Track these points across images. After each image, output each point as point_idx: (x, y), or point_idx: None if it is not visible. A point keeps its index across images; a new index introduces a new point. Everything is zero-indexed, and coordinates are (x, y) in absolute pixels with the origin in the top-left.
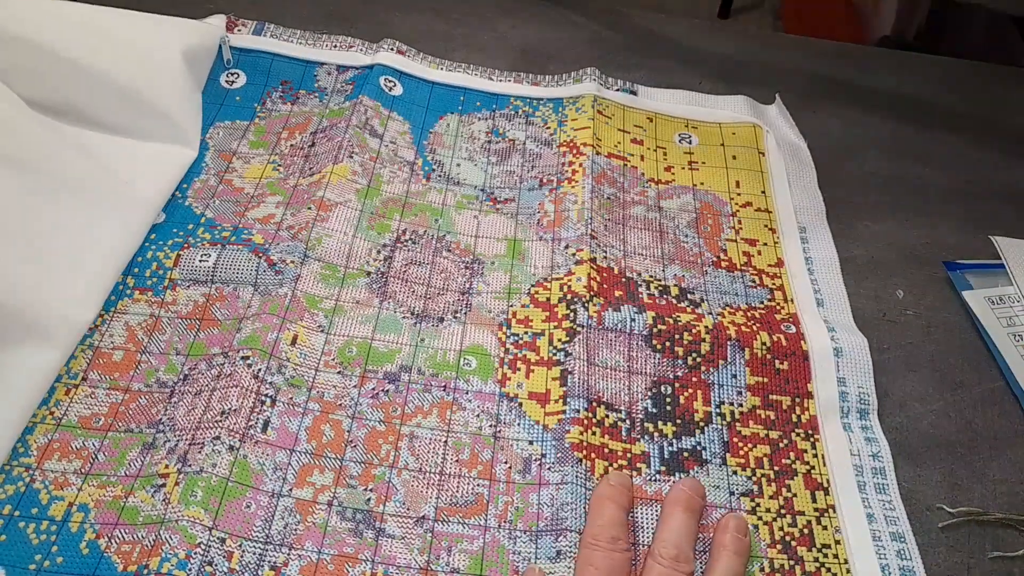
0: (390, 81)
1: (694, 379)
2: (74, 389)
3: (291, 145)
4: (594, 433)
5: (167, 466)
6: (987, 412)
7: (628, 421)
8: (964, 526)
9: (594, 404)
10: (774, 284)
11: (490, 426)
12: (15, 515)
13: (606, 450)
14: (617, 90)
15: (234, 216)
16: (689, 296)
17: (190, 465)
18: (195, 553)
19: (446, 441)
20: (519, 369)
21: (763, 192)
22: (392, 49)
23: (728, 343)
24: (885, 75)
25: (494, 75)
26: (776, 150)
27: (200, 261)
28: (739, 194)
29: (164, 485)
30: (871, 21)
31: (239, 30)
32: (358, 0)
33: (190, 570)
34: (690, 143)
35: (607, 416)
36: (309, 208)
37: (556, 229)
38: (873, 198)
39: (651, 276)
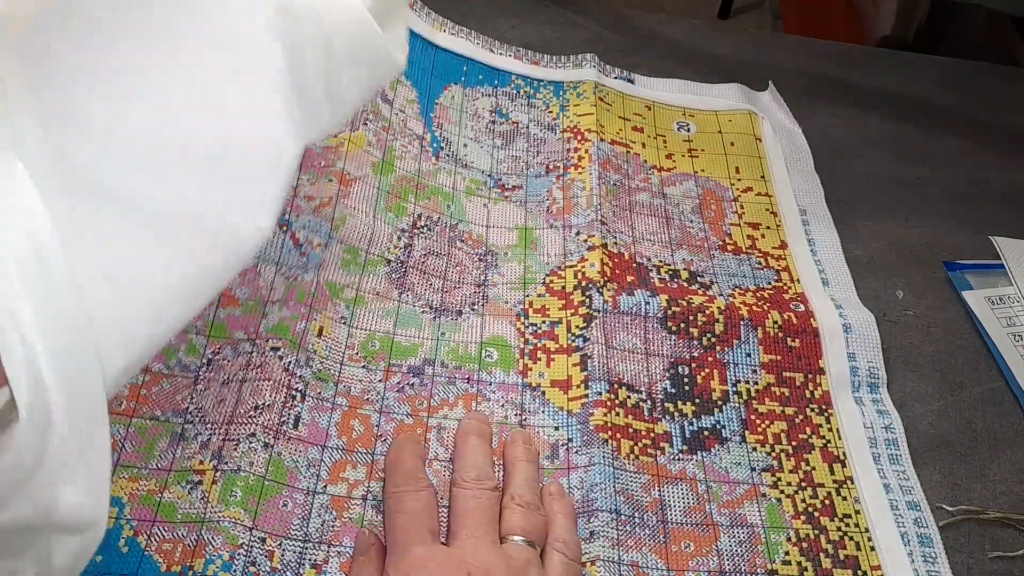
0: None
1: (710, 359)
2: None
3: None
4: (617, 414)
5: (202, 462)
6: (987, 412)
7: (649, 401)
8: (964, 525)
9: (615, 385)
10: (779, 265)
11: (515, 415)
12: None
13: (630, 430)
14: (615, 78)
15: None
16: (699, 279)
17: (226, 463)
18: (238, 554)
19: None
20: (539, 359)
21: (762, 177)
22: None
23: (741, 323)
24: (885, 75)
25: (495, 47)
26: (772, 136)
27: None
28: (739, 180)
29: (201, 482)
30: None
31: None
32: None
33: (235, 571)
34: (688, 131)
35: (629, 396)
36: (330, 180)
37: (566, 216)
38: (873, 198)
39: (660, 261)
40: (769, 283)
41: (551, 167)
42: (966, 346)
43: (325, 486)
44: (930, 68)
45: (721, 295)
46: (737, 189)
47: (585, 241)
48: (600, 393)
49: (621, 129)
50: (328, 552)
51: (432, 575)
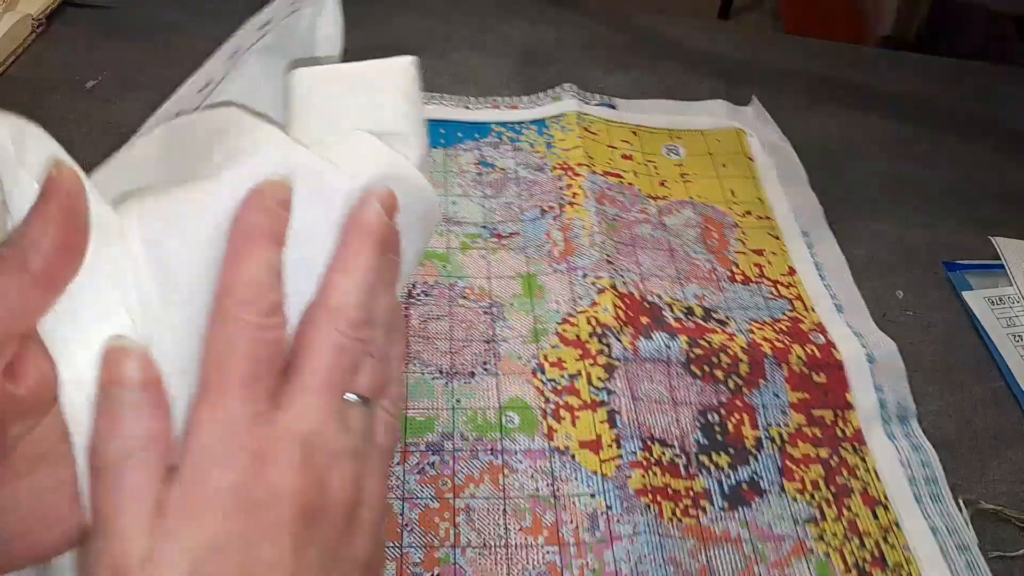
0: None
1: (738, 403)
2: None
3: None
4: (655, 473)
5: None
6: (987, 412)
7: (684, 456)
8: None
9: (648, 442)
10: (791, 294)
11: (547, 485)
12: None
13: (669, 490)
14: (597, 104)
15: None
16: (714, 315)
17: None
18: None
19: (504, 509)
20: (563, 418)
21: (759, 199)
22: None
23: (765, 361)
24: (885, 75)
25: (470, 103)
26: (763, 153)
27: None
28: (736, 203)
29: None
30: (871, 21)
31: None
32: (359, 1)
33: None
34: (678, 154)
35: (663, 453)
36: None
37: (570, 258)
38: (873, 198)
39: (672, 298)
40: (784, 313)
41: (546, 208)
42: (966, 346)
43: None
44: (930, 68)
45: (740, 332)
46: (736, 214)
47: (593, 284)
48: (635, 452)
49: (611, 159)
50: None
51: (234, 461)
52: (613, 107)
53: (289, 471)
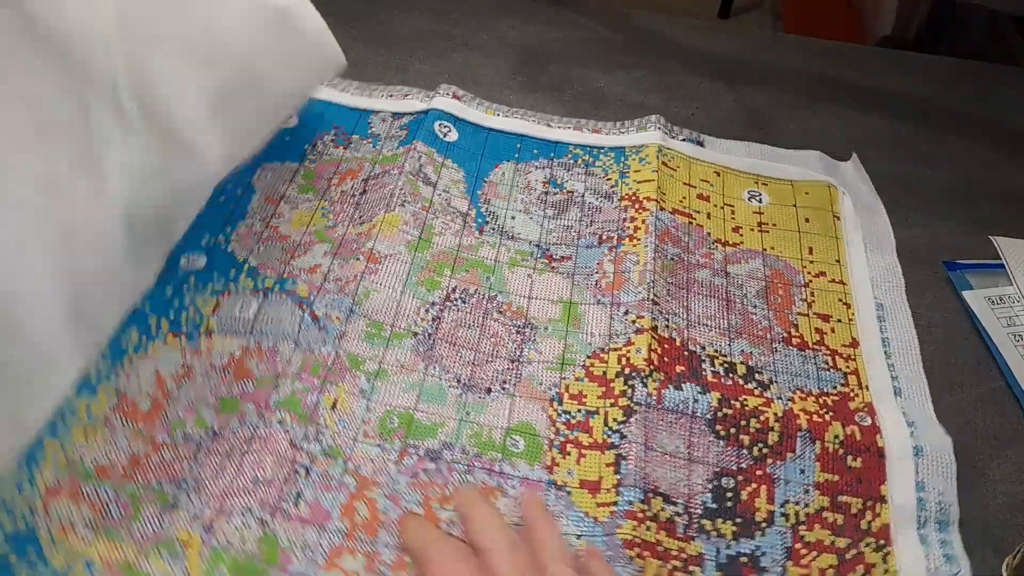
0: (445, 126)
1: (759, 472)
2: (93, 433)
3: (341, 191)
4: (648, 528)
5: (189, 533)
6: (987, 412)
7: (686, 516)
8: (964, 526)
9: (650, 495)
10: (848, 367)
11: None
12: (10, 557)
13: (659, 548)
14: (683, 139)
15: (279, 264)
16: (757, 376)
17: (216, 537)
18: None
19: None
20: (569, 454)
21: (838, 261)
22: (448, 94)
23: (798, 434)
24: (885, 75)
25: (552, 121)
26: (852, 214)
27: (240, 311)
28: (812, 262)
29: (185, 555)
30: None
31: None
32: (359, 1)
33: None
34: (760, 201)
35: (663, 509)
36: (358, 259)
37: (615, 292)
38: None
39: (716, 351)
40: (834, 387)
41: (604, 237)
42: (966, 346)
43: (318, 572)
44: (930, 68)
45: (780, 398)
46: (809, 273)
47: (633, 322)
48: (631, 502)
49: (685, 197)
50: None
51: None
52: (701, 144)
53: None
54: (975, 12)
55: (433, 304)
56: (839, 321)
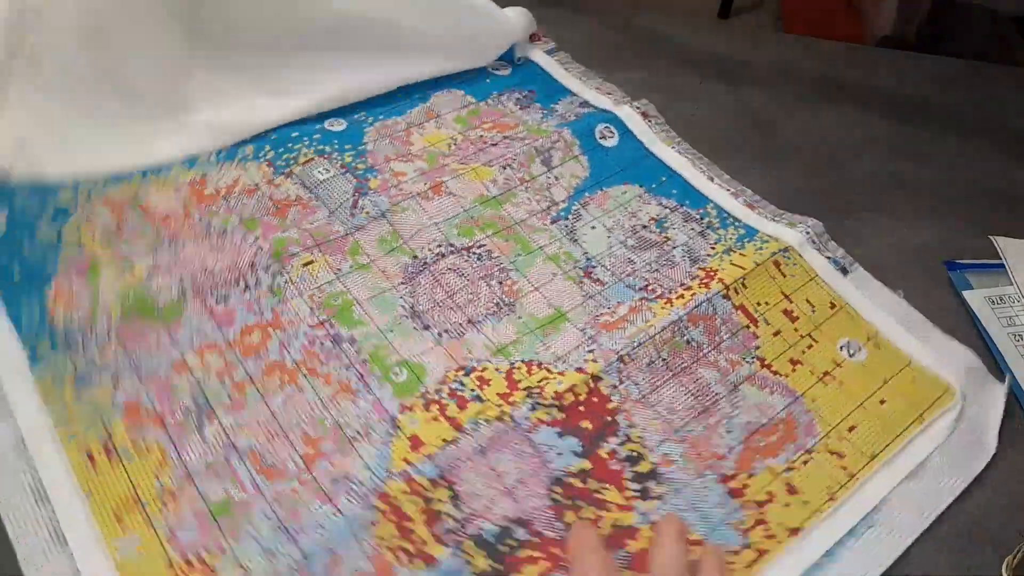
0: (609, 130)
1: (553, 550)
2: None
3: (479, 135)
4: (413, 502)
5: (135, 266)
6: None
7: (457, 526)
8: (964, 527)
9: (442, 484)
10: (761, 547)
11: (357, 431)
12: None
13: (407, 525)
14: (827, 257)
15: (383, 159)
16: (650, 484)
17: (150, 282)
18: None
19: (313, 416)
20: (428, 411)
21: (873, 457)
22: (637, 109)
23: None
24: (885, 75)
25: (715, 175)
26: (949, 426)
27: (320, 172)
28: (840, 439)
29: (104, 275)
30: (871, 21)
31: (540, 44)
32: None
33: None
34: (851, 355)
35: (441, 502)
36: (426, 183)
37: (603, 331)
38: (873, 198)
39: (639, 437)
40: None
41: (649, 288)
42: (966, 346)
43: (187, 353)
44: (930, 68)
45: (646, 517)
46: (823, 447)
47: (585, 360)
48: (423, 473)
49: (767, 303)
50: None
51: None
52: (843, 270)
53: None
54: (975, 12)
55: (451, 244)
56: (804, 503)
